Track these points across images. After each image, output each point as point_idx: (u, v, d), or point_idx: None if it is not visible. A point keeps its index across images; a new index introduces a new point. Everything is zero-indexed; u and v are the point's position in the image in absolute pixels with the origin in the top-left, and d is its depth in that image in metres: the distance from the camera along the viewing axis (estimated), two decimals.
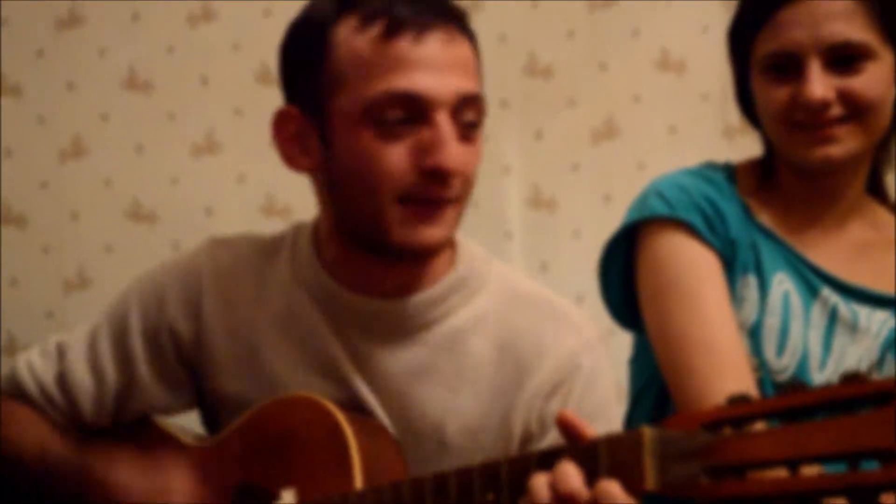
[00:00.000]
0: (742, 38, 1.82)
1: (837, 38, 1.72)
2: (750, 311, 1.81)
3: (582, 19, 3.22)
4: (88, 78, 3.31)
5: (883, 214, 1.91)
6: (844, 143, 1.75)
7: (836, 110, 1.73)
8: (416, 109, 1.43)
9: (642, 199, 1.86)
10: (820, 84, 1.72)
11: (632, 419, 1.93)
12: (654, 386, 1.87)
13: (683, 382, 1.76)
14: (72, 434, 1.67)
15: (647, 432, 1.18)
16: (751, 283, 1.82)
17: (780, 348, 1.80)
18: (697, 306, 1.77)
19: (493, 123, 3.17)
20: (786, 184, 1.86)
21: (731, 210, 1.83)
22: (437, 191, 1.45)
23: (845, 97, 1.73)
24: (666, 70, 3.22)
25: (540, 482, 1.22)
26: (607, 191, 3.20)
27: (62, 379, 1.68)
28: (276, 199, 3.27)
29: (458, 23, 1.50)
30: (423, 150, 1.43)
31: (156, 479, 1.58)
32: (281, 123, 1.54)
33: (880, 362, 1.81)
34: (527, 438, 1.55)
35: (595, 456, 1.22)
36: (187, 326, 1.64)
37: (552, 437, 1.53)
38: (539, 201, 3.25)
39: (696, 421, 1.17)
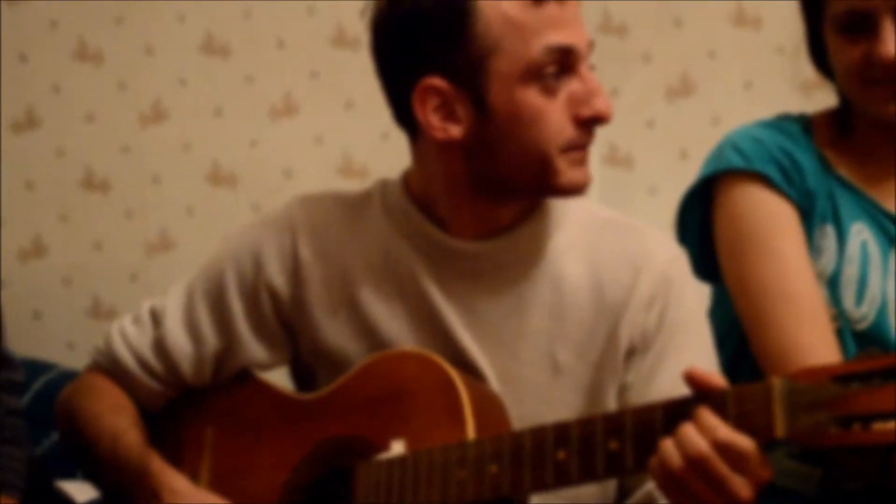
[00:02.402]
0: None
1: None
2: (828, 261, 1.82)
3: None
4: (167, 43, 3.34)
5: None
6: None
7: None
8: (566, 63, 1.50)
9: (718, 152, 1.88)
10: (893, 42, 1.73)
11: None
12: (733, 337, 1.88)
13: (763, 333, 1.79)
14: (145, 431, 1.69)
15: (778, 382, 1.22)
16: (829, 233, 1.83)
17: (859, 297, 1.81)
18: (776, 257, 1.79)
19: None
20: (862, 135, 1.87)
21: (807, 161, 1.84)
22: (590, 137, 1.54)
23: None
24: (741, 25, 3.23)
25: (669, 450, 1.27)
26: (683, 147, 3.22)
27: (159, 345, 1.69)
28: (354, 160, 3.30)
29: None
30: (579, 101, 1.51)
31: (263, 434, 1.63)
32: (425, 96, 1.54)
33: None
34: (631, 351, 1.59)
35: (723, 406, 1.25)
36: (284, 282, 1.66)
37: (656, 349, 1.58)
38: (615, 158, 3.27)
39: (826, 374, 1.20)
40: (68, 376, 2.02)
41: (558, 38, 1.49)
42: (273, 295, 1.66)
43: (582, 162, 1.54)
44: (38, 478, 1.86)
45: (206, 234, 3.19)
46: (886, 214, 1.84)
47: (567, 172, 1.53)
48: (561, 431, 1.37)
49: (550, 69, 1.50)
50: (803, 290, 1.78)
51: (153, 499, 1.59)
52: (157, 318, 1.71)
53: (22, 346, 1.89)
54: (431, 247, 1.61)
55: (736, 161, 1.84)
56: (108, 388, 1.71)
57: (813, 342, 1.72)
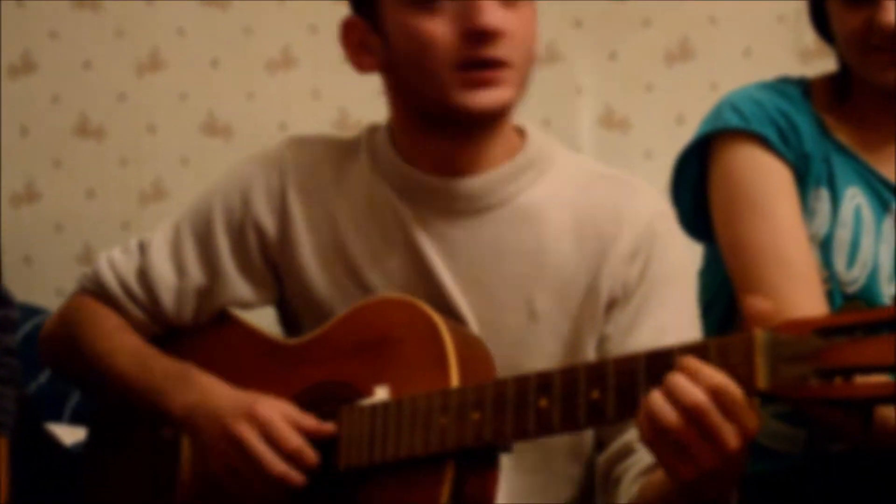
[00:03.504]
0: None
1: None
2: (822, 224, 1.83)
3: None
4: None
5: None
6: None
7: None
8: None
9: (716, 112, 1.88)
10: (895, 10, 1.74)
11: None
12: (723, 297, 1.90)
13: (753, 292, 1.77)
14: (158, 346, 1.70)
15: (760, 334, 1.21)
16: (823, 196, 1.84)
17: (851, 260, 1.82)
18: (769, 218, 1.80)
19: (567, 43, 3.23)
20: (861, 101, 1.87)
21: (805, 124, 1.85)
22: (484, 51, 1.50)
23: None
24: None
25: (659, 403, 1.25)
26: (680, 112, 3.21)
27: (143, 273, 1.70)
28: (350, 115, 3.30)
29: None
30: (463, 17, 1.49)
31: (247, 378, 1.60)
32: (346, 33, 1.60)
33: None
34: (611, 303, 1.59)
35: (706, 357, 1.24)
36: (272, 221, 1.67)
37: (637, 300, 1.58)
38: (612, 121, 3.26)
39: (809, 326, 1.20)
40: None
41: None
42: (260, 232, 1.67)
43: (484, 83, 1.51)
44: (27, 419, 1.86)
45: (200, 184, 3.11)
46: (882, 180, 1.84)
47: (458, 94, 1.51)
48: (543, 380, 1.37)
49: None
50: (795, 251, 1.78)
51: (207, 393, 1.58)
52: (144, 249, 1.72)
53: (12, 289, 1.89)
54: (409, 186, 1.61)
55: (734, 121, 1.85)
56: (104, 310, 1.72)
57: (803, 302, 1.73)
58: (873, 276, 1.81)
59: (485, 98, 1.51)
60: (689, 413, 1.23)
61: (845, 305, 1.19)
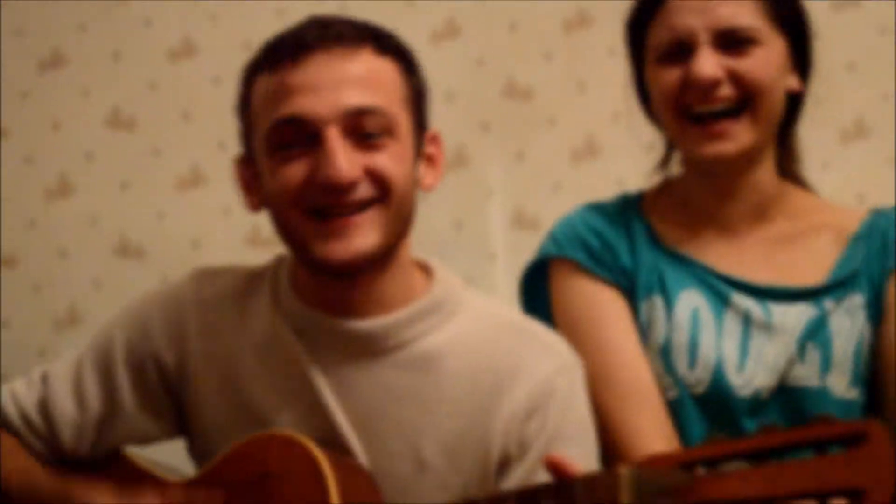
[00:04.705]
0: (636, 30, 1.87)
1: (726, 22, 1.78)
2: (659, 332, 1.84)
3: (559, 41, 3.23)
4: (73, 118, 3.31)
5: (803, 199, 1.94)
6: (737, 139, 1.79)
7: (727, 90, 1.78)
8: (306, 131, 1.50)
9: (544, 241, 1.92)
10: (709, 62, 1.77)
11: None
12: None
13: (602, 421, 1.79)
14: (52, 466, 1.69)
15: (624, 471, 1.21)
16: (657, 304, 1.85)
17: (692, 362, 1.82)
18: (597, 345, 1.82)
19: (475, 146, 3.24)
20: (691, 193, 1.90)
21: (622, 238, 1.87)
22: (336, 204, 1.51)
23: (734, 77, 1.78)
24: None
25: None
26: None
27: (44, 405, 1.70)
28: (262, 230, 3.28)
29: (355, 42, 1.55)
30: (316, 167, 1.50)
31: None
32: (236, 171, 1.65)
33: (801, 354, 1.82)
34: (505, 461, 1.57)
35: (572, 495, 1.24)
36: (171, 355, 1.66)
37: (531, 460, 1.56)
38: (522, 221, 3.26)
39: (672, 460, 1.20)
40: None
41: (286, 108, 1.50)
42: (159, 366, 1.67)
43: (334, 234, 1.51)
44: None
45: (115, 307, 3.09)
46: (717, 276, 1.86)
47: (316, 244, 1.52)
48: None
49: (287, 139, 1.51)
50: (624, 373, 1.80)
51: None
52: (45, 380, 1.72)
53: None
54: (306, 325, 1.61)
55: (550, 248, 1.90)
56: (4, 436, 1.71)
57: (639, 424, 1.74)
58: (719, 371, 1.81)
59: (340, 249, 1.51)
60: None
61: (707, 438, 1.20)
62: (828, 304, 1.84)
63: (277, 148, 1.52)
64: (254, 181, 1.60)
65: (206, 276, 1.71)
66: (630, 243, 1.87)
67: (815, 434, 1.12)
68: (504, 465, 1.57)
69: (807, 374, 1.82)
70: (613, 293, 1.84)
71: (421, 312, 1.60)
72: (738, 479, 1.16)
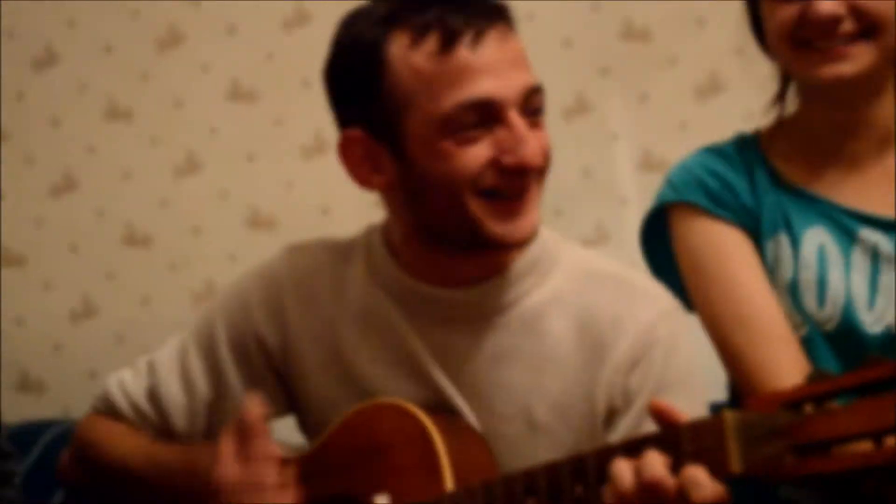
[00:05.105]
0: None
1: None
2: (786, 270, 1.79)
3: None
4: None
5: None
6: (856, 61, 1.72)
7: (848, 26, 1.71)
8: (488, 113, 1.47)
9: (660, 187, 1.88)
10: (829, 2, 1.70)
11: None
12: None
13: (729, 361, 1.77)
14: (169, 441, 1.71)
15: (729, 416, 1.18)
16: (783, 243, 1.80)
17: (821, 300, 1.77)
18: (725, 285, 1.77)
19: (596, 91, 3.20)
20: (812, 127, 1.83)
21: (742, 178, 1.82)
22: (519, 185, 1.49)
23: (856, 11, 1.71)
24: None
25: (622, 468, 1.24)
26: None
27: (153, 393, 1.73)
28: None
29: (506, 19, 1.53)
30: (503, 149, 1.47)
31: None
32: (347, 147, 1.56)
33: None
34: (612, 413, 1.56)
35: (678, 443, 1.23)
36: (273, 332, 1.67)
37: (637, 410, 1.54)
38: (650, 164, 3.21)
39: (777, 401, 1.17)
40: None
41: (472, 91, 1.46)
42: (262, 344, 1.68)
43: (511, 213, 1.50)
44: None
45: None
46: (844, 211, 1.80)
47: (491, 223, 1.49)
48: (530, 479, 1.35)
49: (469, 122, 1.46)
50: (759, 311, 1.75)
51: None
52: (152, 369, 1.74)
53: None
54: (406, 294, 1.60)
55: (668, 194, 1.85)
56: (115, 424, 1.75)
57: (774, 361, 1.69)
58: (848, 308, 1.76)
59: (519, 228, 1.51)
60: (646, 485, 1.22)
61: (811, 375, 1.16)
62: None
63: (457, 130, 1.47)
64: (379, 159, 1.54)
65: (298, 252, 1.72)
66: (751, 183, 1.83)
67: None
68: (611, 417, 1.55)
69: None
70: (737, 233, 1.80)
71: (521, 272, 1.59)
72: (847, 414, 1.12)
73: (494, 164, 1.48)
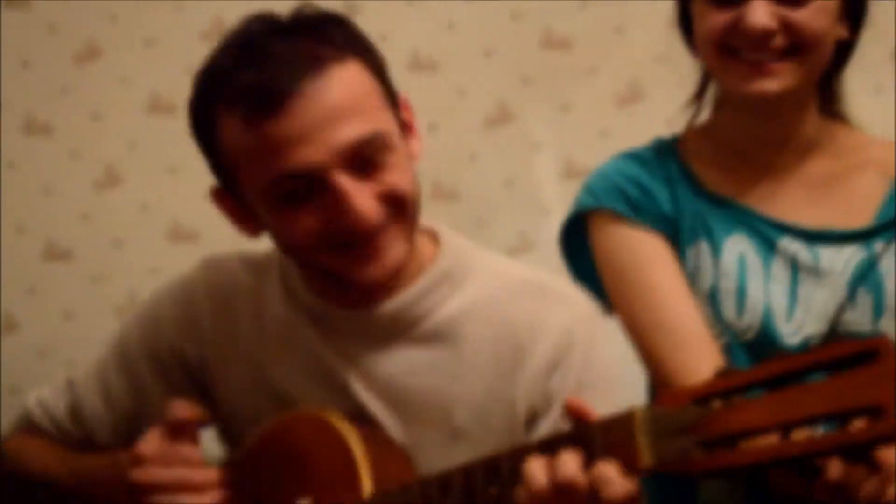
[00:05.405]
0: None
1: None
2: (706, 278, 1.79)
3: None
4: (114, 107, 3.33)
5: (847, 137, 1.86)
6: (783, 78, 1.71)
7: (778, 41, 1.70)
8: (308, 181, 1.41)
9: (577, 194, 1.87)
10: (764, 11, 1.68)
11: None
12: None
13: (651, 366, 1.77)
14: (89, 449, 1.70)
15: (639, 412, 1.19)
16: (703, 250, 1.80)
17: (740, 309, 1.77)
18: (645, 290, 1.77)
19: (518, 101, 3.21)
20: (733, 134, 1.83)
21: (661, 184, 1.82)
22: (363, 238, 1.45)
23: (789, 28, 1.69)
24: None
25: (535, 468, 1.24)
26: None
27: (74, 410, 1.71)
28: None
29: (325, 52, 1.44)
30: (329, 218, 1.43)
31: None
32: (216, 198, 1.56)
33: (852, 299, 1.76)
34: (533, 416, 1.55)
35: (590, 439, 1.23)
36: (190, 345, 1.66)
37: (557, 412, 1.53)
38: (573, 172, 3.22)
39: (687, 397, 1.18)
40: None
41: (282, 164, 1.40)
42: (179, 357, 1.67)
43: (366, 258, 1.46)
44: None
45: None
46: (764, 220, 1.80)
47: (347, 270, 1.48)
48: (445, 481, 1.35)
49: (291, 191, 1.42)
50: (675, 316, 1.75)
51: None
52: (72, 386, 1.72)
53: None
54: (319, 315, 1.60)
55: (586, 200, 1.84)
56: (32, 439, 1.73)
57: (694, 366, 1.69)
58: (767, 318, 1.77)
59: (377, 270, 1.47)
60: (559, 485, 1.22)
61: (719, 371, 1.17)
62: (877, 245, 1.78)
63: (282, 200, 1.43)
64: (242, 210, 1.52)
65: (214, 265, 1.69)
66: (670, 189, 1.82)
67: (827, 355, 1.08)
68: (532, 420, 1.55)
69: (858, 320, 1.76)
70: (657, 239, 1.79)
71: (431, 285, 1.57)
72: (754, 407, 1.13)
73: (330, 228, 1.43)
